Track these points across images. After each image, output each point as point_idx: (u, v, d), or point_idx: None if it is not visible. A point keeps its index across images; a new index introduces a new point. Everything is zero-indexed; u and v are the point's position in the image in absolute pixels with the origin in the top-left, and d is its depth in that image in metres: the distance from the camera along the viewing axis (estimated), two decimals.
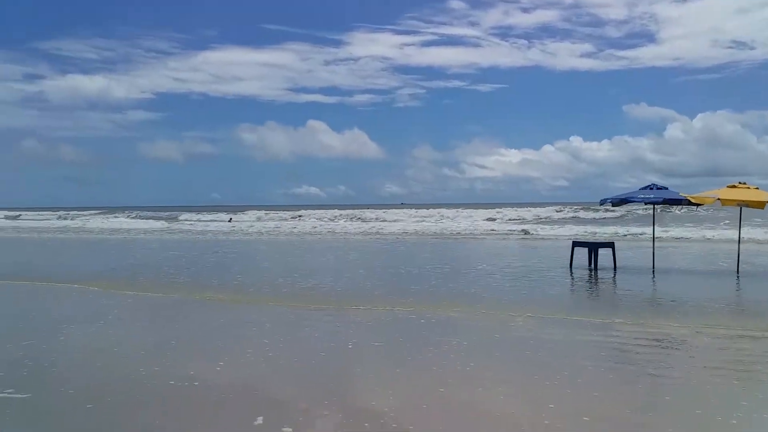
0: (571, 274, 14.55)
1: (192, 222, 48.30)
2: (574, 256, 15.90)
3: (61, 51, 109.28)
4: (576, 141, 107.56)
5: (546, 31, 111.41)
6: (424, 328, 8.49)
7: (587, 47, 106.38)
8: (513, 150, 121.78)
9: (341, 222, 43.89)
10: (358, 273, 15.32)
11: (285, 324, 8.98)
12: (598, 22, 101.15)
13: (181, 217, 54.70)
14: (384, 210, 56.67)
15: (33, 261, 19.89)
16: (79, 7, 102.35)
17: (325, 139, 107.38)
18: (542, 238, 27.31)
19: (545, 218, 45.98)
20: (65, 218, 58.08)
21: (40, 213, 69.55)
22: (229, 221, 48.96)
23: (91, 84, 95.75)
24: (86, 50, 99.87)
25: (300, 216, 51.48)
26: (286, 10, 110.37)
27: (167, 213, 61.14)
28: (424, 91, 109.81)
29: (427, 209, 56.22)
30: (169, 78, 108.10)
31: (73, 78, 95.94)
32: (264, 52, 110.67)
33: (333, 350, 7.23)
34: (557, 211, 51.96)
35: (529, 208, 54.57)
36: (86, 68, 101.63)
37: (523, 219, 45.02)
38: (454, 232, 31.90)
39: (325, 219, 48.04)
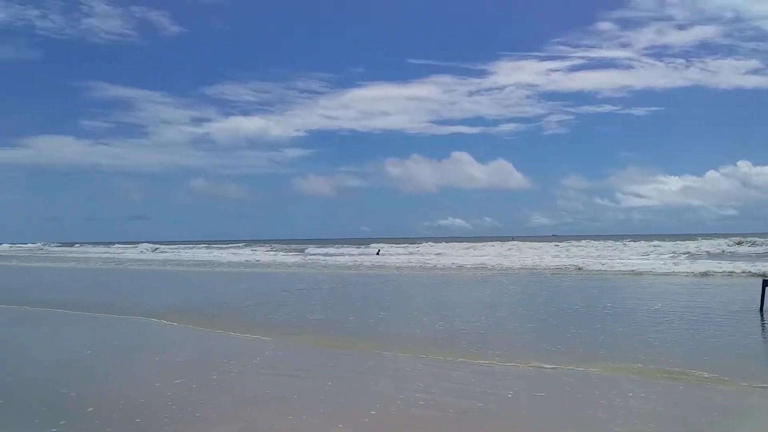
0: (762, 320, 12.43)
1: (343, 255, 49.55)
2: (766, 298, 13.63)
3: (224, 95, 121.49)
4: (744, 166, 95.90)
5: (705, 49, 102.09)
6: (585, 388, 7.44)
7: (753, 63, 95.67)
8: (673, 177, 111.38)
9: (488, 255, 42.59)
10: (505, 315, 14.34)
11: (426, 377, 8.37)
12: (764, 36, 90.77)
13: (328, 251, 56.47)
14: (534, 242, 54.43)
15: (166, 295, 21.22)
16: (238, 53, 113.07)
17: (470, 170, 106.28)
18: (720, 275, 24.20)
19: (717, 252, 41.19)
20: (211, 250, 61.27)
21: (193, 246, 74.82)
22: (377, 254, 49.70)
23: (251, 125, 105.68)
24: (246, 93, 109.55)
25: (417, 248, 51.05)
26: (431, 45, 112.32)
27: (316, 245, 63.60)
28: (573, 117, 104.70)
29: (579, 240, 53.00)
30: (321, 116, 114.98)
31: (234, 120, 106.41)
32: (409, 86, 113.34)
33: (480, 408, 6.47)
34: (736, 244, 46.42)
35: (688, 241, 49.51)
36: (246, 110, 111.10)
37: (691, 253, 40.65)
38: (613, 268, 29.43)
39: (472, 252, 46.99)
